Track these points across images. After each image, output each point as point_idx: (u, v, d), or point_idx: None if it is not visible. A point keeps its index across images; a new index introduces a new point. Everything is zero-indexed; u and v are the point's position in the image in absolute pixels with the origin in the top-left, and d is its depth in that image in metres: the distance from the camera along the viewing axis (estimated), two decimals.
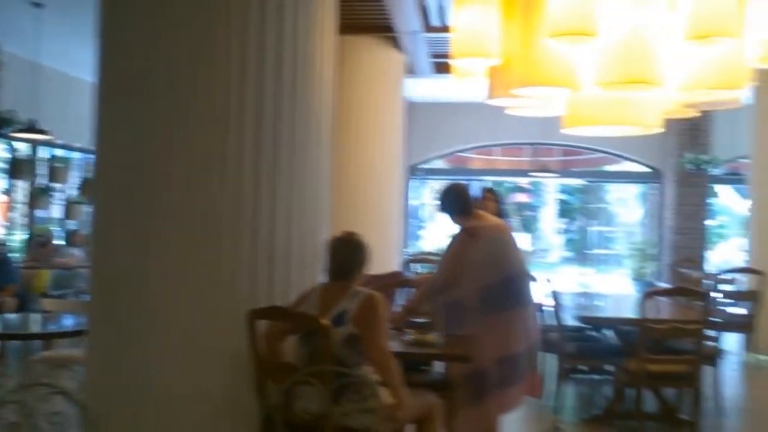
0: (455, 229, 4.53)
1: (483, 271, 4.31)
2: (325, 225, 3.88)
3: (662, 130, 4.58)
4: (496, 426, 4.45)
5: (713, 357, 5.90)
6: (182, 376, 3.40)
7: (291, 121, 3.58)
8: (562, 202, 22.83)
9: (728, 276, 9.34)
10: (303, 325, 3.37)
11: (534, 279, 5.84)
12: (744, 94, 4.37)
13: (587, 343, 6.06)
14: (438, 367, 4.65)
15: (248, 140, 3.45)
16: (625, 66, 3.75)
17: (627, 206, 20.50)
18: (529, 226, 21.67)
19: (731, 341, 8.36)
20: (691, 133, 12.09)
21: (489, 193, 5.91)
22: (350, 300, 3.39)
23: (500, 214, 5.80)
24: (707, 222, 12.91)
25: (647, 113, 4.36)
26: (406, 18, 7.59)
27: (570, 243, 21.96)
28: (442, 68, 9.45)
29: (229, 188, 3.43)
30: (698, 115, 5.31)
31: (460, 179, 16.18)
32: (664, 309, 6.31)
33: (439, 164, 15.13)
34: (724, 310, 7.86)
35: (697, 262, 11.72)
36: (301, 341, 3.43)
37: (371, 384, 3.26)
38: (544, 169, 14.17)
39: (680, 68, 3.98)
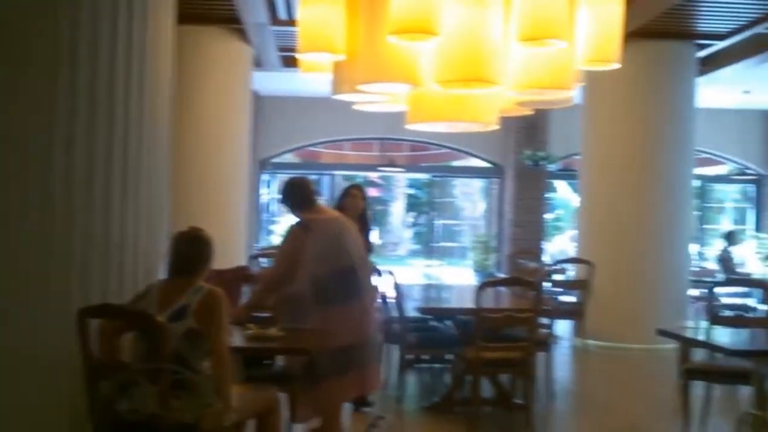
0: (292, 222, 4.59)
1: (318, 264, 4.36)
2: (164, 221, 3.79)
3: (498, 127, 4.76)
4: (337, 415, 4.53)
5: (546, 343, 6.25)
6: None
7: (125, 114, 3.47)
8: (411, 196, 23.37)
9: (560, 266, 9.91)
10: (136, 322, 3.30)
11: (379, 272, 5.98)
12: (574, 94, 4.61)
13: (428, 334, 6.24)
14: (281, 360, 4.68)
15: (80, 135, 3.32)
16: (462, 65, 3.87)
17: (472, 200, 21.24)
18: (379, 219, 22.03)
19: (563, 328, 8.87)
20: (530, 130, 12.69)
21: (356, 189, 5.96)
22: (192, 296, 3.36)
23: (366, 210, 5.89)
24: (545, 215, 13.60)
25: (484, 111, 4.52)
26: (252, 10, 7.51)
27: (418, 236, 22.50)
28: (290, 62, 9.42)
29: (59, 184, 3.28)
30: (534, 113, 5.58)
31: (311, 173, 16.21)
32: (501, 299, 6.62)
33: (291, 158, 15.09)
34: (556, 299, 8.32)
35: (535, 253, 12.30)
36: (138, 338, 3.35)
37: (208, 380, 3.24)
38: (393, 164, 14.45)
39: (514, 68, 4.15)
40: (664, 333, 5.27)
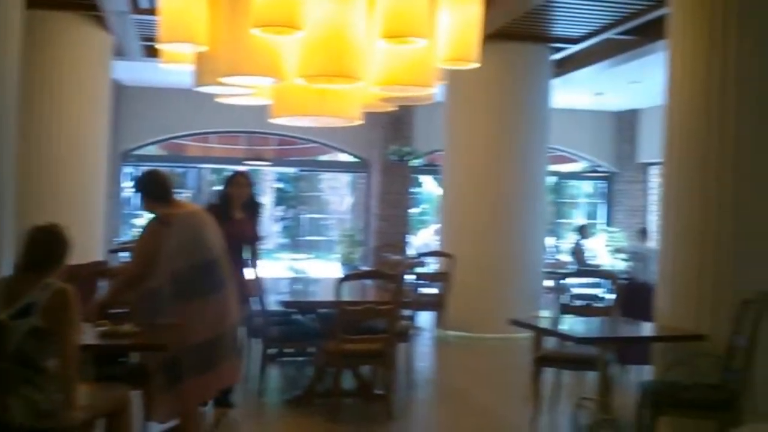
0: (150, 216, 4.49)
1: (178, 258, 4.28)
2: (8, 216, 3.62)
3: (362, 122, 4.81)
4: (195, 412, 4.47)
5: (407, 334, 6.40)
6: None
7: None
8: (279, 190, 23.21)
9: (422, 259, 10.16)
10: None
11: (255, 264, 5.88)
12: (436, 92, 4.73)
13: (291, 327, 6.26)
14: (136, 358, 4.57)
15: None
16: (325, 60, 3.90)
17: (339, 194, 21.33)
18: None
19: (426, 319, 9.10)
20: (395, 126, 12.90)
21: (241, 177, 5.83)
22: (40, 292, 3.23)
23: (253, 198, 5.77)
24: (410, 210, 13.87)
25: (348, 105, 4.57)
26: None
27: (286, 230, 22.39)
28: (152, 52, 9.15)
29: None
30: (399, 109, 5.68)
31: (177, 166, 15.81)
32: (366, 292, 6.71)
33: (156, 151, 14.67)
34: (418, 291, 8.52)
35: (400, 246, 12.52)
36: None
37: (52, 379, 3.14)
38: (260, 158, 14.32)
39: (377, 65, 4.22)
40: (516, 323, 5.51)
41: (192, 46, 4.24)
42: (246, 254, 5.72)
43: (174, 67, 4.61)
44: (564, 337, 5.18)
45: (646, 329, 5.27)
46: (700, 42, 4.78)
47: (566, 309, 5.97)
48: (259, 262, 5.89)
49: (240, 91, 4.64)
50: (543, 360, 5.57)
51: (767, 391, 4.44)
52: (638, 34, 8.41)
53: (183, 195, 17.33)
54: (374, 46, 4.10)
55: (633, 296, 6.10)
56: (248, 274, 5.74)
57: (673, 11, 5.12)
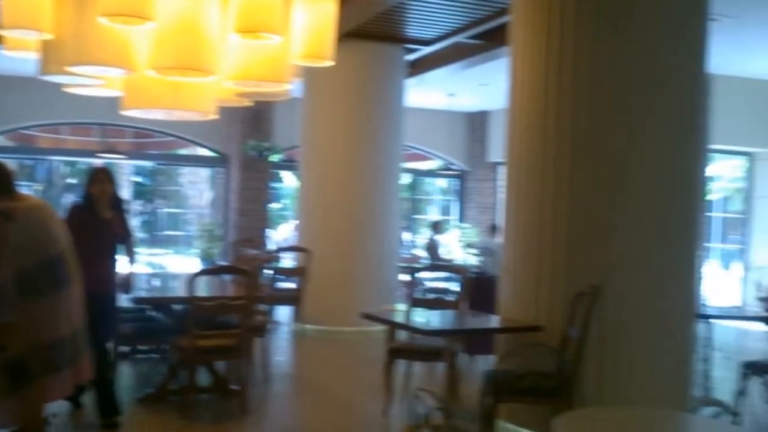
0: None
1: (22, 255, 4.10)
2: None
3: (217, 116, 4.77)
4: (41, 414, 4.30)
5: (263, 329, 6.41)
6: None
7: None
8: (137, 184, 22.49)
9: (279, 254, 10.18)
10: None
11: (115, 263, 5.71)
12: (292, 88, 4.75)
13: (144, 324, 6.14)
14: None
15: None
16: (177, 52, 3.84)
17: (198, 189, 20.92)
18: None
19: (284, 314, 9.12)
20: (254, 121, 12.83)
21: (101, 173, 5.55)
22: None
23: (115, 194, 5.53)
24: (270, 205, 13.82)
25: (202, 99, 4.51)
26: None
27: (145, 224, 21.75)
28: None
29: None
30: (254, 104, 5.66)
31: (25, 158, 15.03)
32: (225, 287, 6.67)
33: (2, 141, 13.87)
34: (276, 286, 8.53)
35: (259, 241, 12.46)
36: None
37: None
38: (114, 151, 13.84)
39: (232, 59, 4.21)
40: (367, 316, 5.65)
41: (36, 33, 4.08)
42: (120, 252, 5.55)
43: (18, 54, 4.42)
44: (412, 329, 5.36)
45: (491, 321, 5.53)
46: (538, 49, 5.05)
47: (417, 302, 6.17)
48: (136, 258, 5.80)
49: (88, 81, 4.50)
50: (395, 352, 5.74)
51: (597, 378, 4.77)
52: (486, 38, 8.78)
53: (32, 188, 16.52)
54: (228, 41, 4.09)
55: (481, 290, 6.40)
56: (124, 270, 5.60)
57: (514, 19, 5.38)
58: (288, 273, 8.96)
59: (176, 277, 7.92)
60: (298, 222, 10.34)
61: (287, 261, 10.39)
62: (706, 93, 5.16)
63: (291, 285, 8.72)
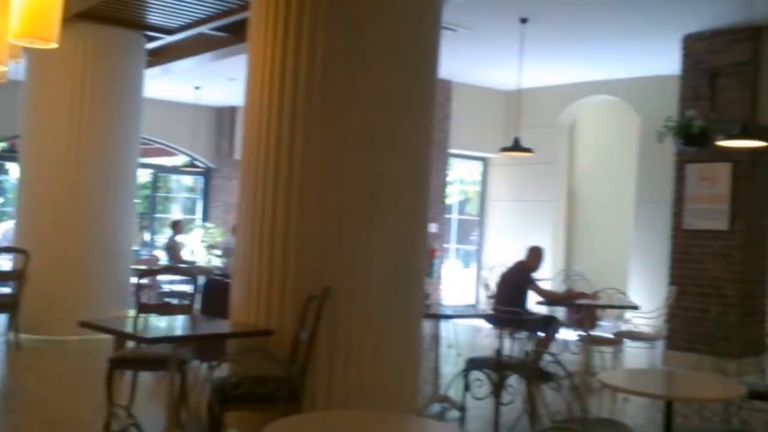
0: None
1: None
2: None
3: None
4: None
5: None
6: None
7: None
8: None
9: None
10: None
11: None
12: (10, 70, 4.21)
13: None
14: None
15: None
16: None
17: None
18: None
19: None
20: None
21: None
22: None
23: None
24: None
25: None
26: None
27: None
28: None
29: None
30: None
31: None
32: None
33: None
34: None
35: None
36: None
37: None
38: None
39: None
40: (85, 324, 5.14)
41: None
42: None
43: None
44: (129, 337, 4.95)
45: (221, 326, 5.26)
46: (275, 47, 4.88)
47: (147, 308, 5.76)
48: None
49: None
50: (117, 362, 5.29)
51: (327, 382, 4.67)
52: (233, 32, 8.50)
53: None
54: None
55: (220, 293, 6.09)
56: None
57: (253, 14, 5.18)
58: (2, 277, 8.05)
59: None
60: (16, 220, 9.36)
61: (3, 263, 9.38)
62: (435, 99, 5.25)
63: (6, 290, 7.85)
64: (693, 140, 8.39)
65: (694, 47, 9.23)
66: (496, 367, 5.58)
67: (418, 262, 5.07)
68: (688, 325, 8.97)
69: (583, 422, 3.72)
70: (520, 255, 8.63)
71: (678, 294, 8.88)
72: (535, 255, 8.42)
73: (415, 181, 5.01)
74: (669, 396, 4.04)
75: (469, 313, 10.35)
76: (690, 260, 9.20)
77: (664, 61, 9.96)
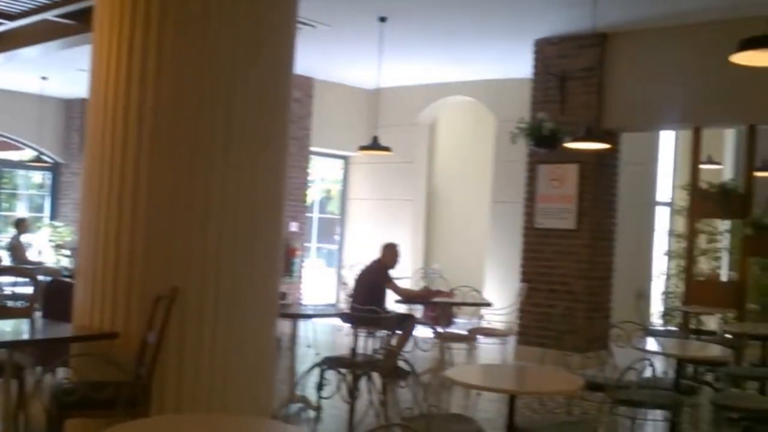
0: None
1: None
2: None
3: None
4: None
5: None
6: None
7: None
8: None
9: None
10: None
11: None
12: None
13: None
14: None
15: None
16: None
17: None
18: None
19: None
20: None
21: None
22: None
23: None
24: None
25: None
26: None
27: None
28: None
29: None
30: None
31: None
32: None
33: None
34: None
35: None
36: None
37: None
38: None
39: None
40: None
41: None
42: None
43: None
44: None
45: (65, 329, 4.97)
46: (120, 39, 4.64)
47: None
48: None
49: None
50: None
51: (177, 385, 4.51)
52: (78, 19, 8.07)
53: None
54: None
55: (62, 295, 5.76)
56: None
57: (97, 3, 4.92)
58: None
59: None
60: None
61: None
62: (290, 95, 5.17)
63: None
64: (543, 142, 8.70)
65: (545, 51, 9.60)
66: (351, 366, 5.58)
67: (272, 261, 4.98)
68: (539, 321, 9.31)
69: (428, 418, 3.76)
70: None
71: (529, 291, 9.21)
72: (390, 252, 8.44)
73: (270, 178, 4.91)
74: (511, 390, 4.15)
75: (329, 312, 10.31)
76: (540, 258, 9.56)
77: (518, 64, 10.31)
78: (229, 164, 4.66)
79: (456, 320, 10.49)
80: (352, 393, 5.33)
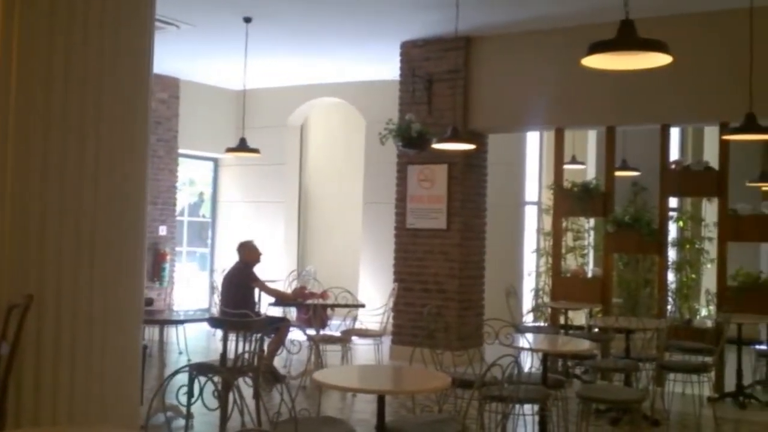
0: None
1: None
2: None
3: None
4: None
5: None
6: None
7: None
8: None
9: None
10: None
11: None
12: None
13: None
14: None
15: None
16: None
17: None
18: None
19: None
20: None
21: None
22: None
23: None
24: None
25: None
26: None
27: None
28: None
29: None
30: None
31: None
32: None
33: None
34: None
35: None
36: None
37: None
38: None
39: None
40: None
41: None
42: None
43: None
44: None
45: None
46: None
47: None
48: None
49: None
50: None
51: (33, 397, 4.27)
52: None
53: None
54: None
55: None
56: None
57: None
58: None
59: None
60: None
61: None
62: (149, 96, 5.00)
63: None
64: (412, 143, 8.83)
65: (411, 54, 9.75)
66: (219, 371, 5.46)
67: (134, 266, 4.79)
68: (412, 321, 9.44)
69: (296, 421, 3.72)
70: None
71: (401, 291, 9.32)
72: (248, 250, 8.22)
73: (130, 179, 4.72)
74: (378, 390, 4.17)
75: (199, 317, 10.06)
76: (412, 258, 9.69)
77: (386, 66, 10.41)
78: (86, 169, 4.44)
79: (330, 322, 10.48)
80: (223, 399, 5.21)
